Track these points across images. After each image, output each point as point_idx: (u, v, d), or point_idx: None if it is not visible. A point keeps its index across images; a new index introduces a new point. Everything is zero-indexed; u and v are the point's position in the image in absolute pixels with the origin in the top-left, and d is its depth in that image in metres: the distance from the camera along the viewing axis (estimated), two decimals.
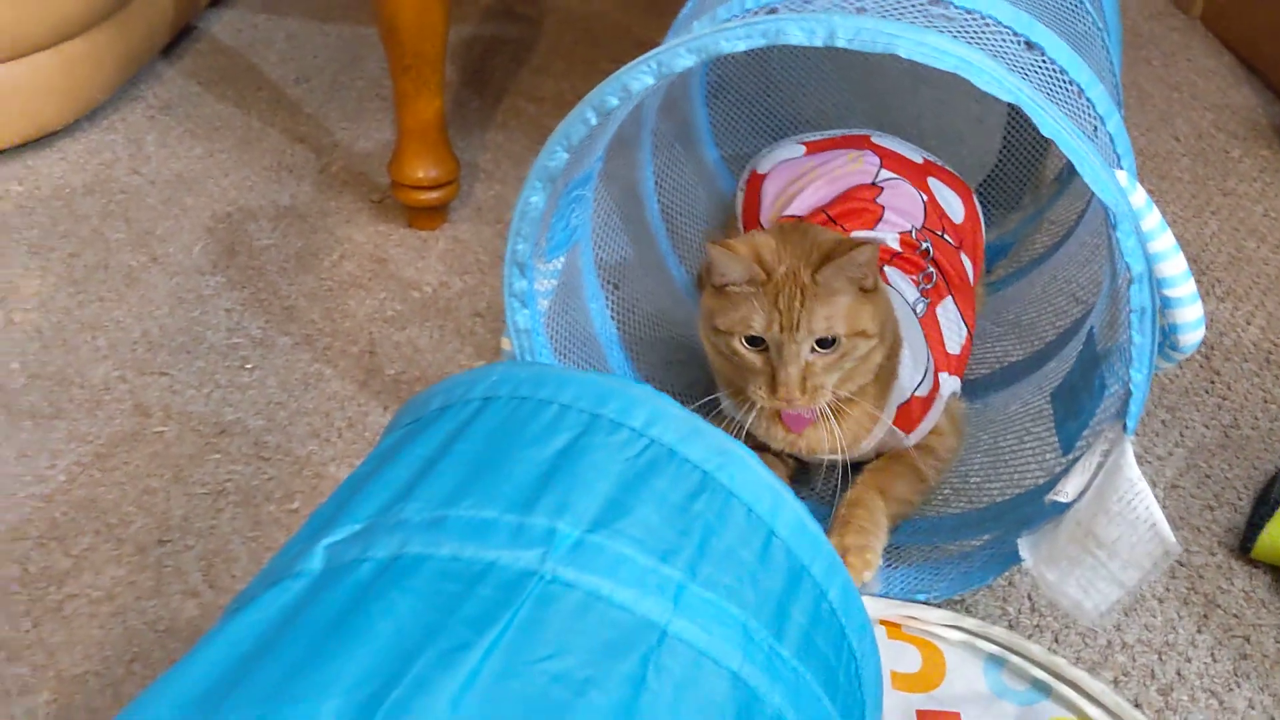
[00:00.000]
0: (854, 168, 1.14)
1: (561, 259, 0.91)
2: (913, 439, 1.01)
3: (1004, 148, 1.34)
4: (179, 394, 1.12)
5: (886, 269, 1.05)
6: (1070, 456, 0.87)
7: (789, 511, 0.59)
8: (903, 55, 0.70)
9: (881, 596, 0.91)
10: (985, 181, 1.35)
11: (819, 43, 0.71)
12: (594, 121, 0.77)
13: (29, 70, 1.41)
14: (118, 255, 1.31)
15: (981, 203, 1.22)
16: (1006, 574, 0.94)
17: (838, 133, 1.20)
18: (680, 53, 0.73)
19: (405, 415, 0.65)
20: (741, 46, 0.72)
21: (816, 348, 0.89)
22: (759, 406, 0.91)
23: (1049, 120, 0.72)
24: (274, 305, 1.25)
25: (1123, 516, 0.78)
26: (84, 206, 1.39)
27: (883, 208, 1.10)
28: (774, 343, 0.88)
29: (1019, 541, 0.85)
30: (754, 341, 0.89)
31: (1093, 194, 0.74)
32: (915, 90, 1.33)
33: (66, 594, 0.92)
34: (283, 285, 1.28)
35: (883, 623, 0.89)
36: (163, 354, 1.17)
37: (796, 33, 0.71)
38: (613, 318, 1.07)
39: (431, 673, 0.47)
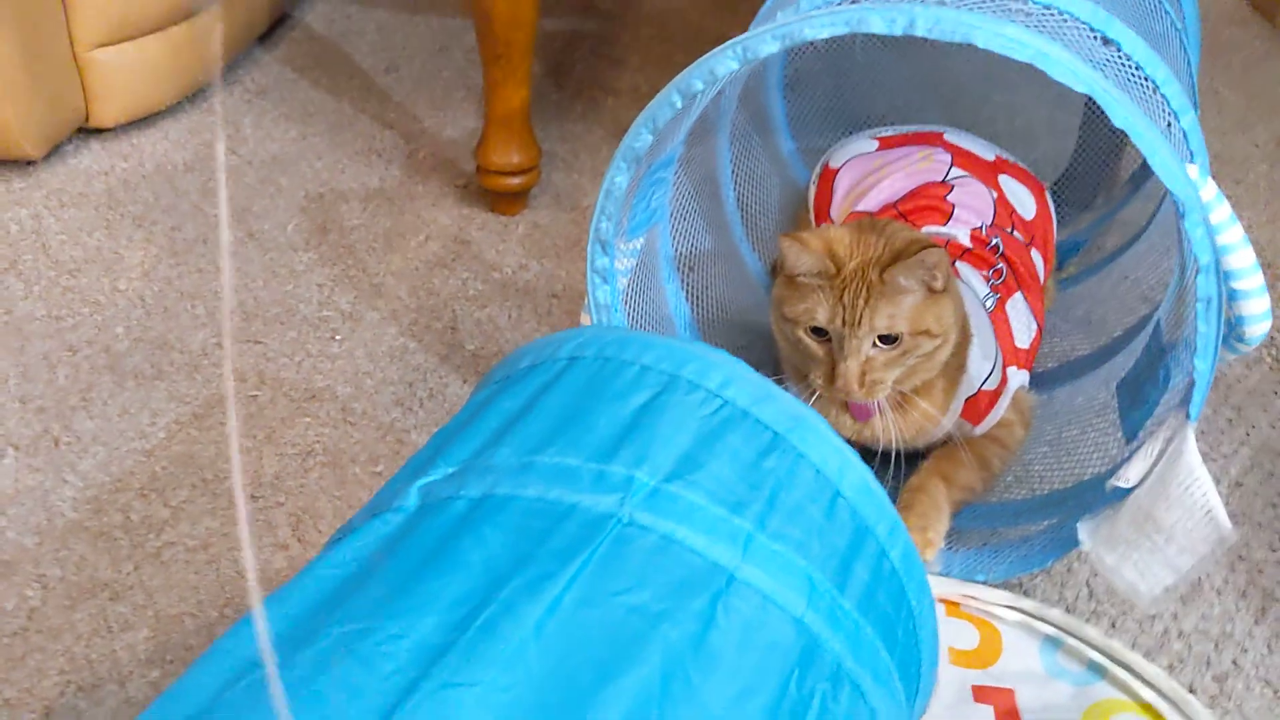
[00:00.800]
0: (924, 165, 1.17)
1: (641, 239, 0.95)
2: (980, 430, 1.03)
3: (1078, 149, 1.36)
4: (272, 361, 1.18)
5: (958, 264, 1.07)
6: (1133, 445, 0.89)
7: (855, 474, 0.62)
8: (980, 45, 0.73)
9: (941, 576, 0.93)
10: (1059, 181, 1.37)
11: (899, 31, 0.74)
12: (679, 105, 0.80)
13: (137, 52, 1.48)
14: (217, 230, 1.37)
15: (1055, 202, 1.23)
16: (1065, 561, 0.96)
17: (911, 129, 1.23)
18: (765, 39, 0.77)
19: (497, 372, 0.69)
20: (824, 34, 0.75)
21: (879, 343, 0.91)
22: (821, 395, 0.94)
23: (1122, 111, 0.74)
24: (363, 282, 1.30)
25: (1181, 502, 0.80)
26: (185, 183, 1.45)
27: (953, 205, 1.12)
28: (836, 336, 0.91)
29: (1078, 526, 0.87)
30: (818, 332, 0.92)
31: (1165, 194, 0.76)
32: (987, 95, 1.35)
33: (165, 541, 0.97)
34: (371, 263, 1.33)
35: (942, 600, 0.91)
36: (257, 323, 1.23)
37: (877, 21, 0.74)
38: (686, 299, 1.10)
39: (518, 598, 0.51)
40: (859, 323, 0.89)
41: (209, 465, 1.05)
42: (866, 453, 1.06)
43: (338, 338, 1.22)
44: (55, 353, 1.18)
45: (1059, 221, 1.23)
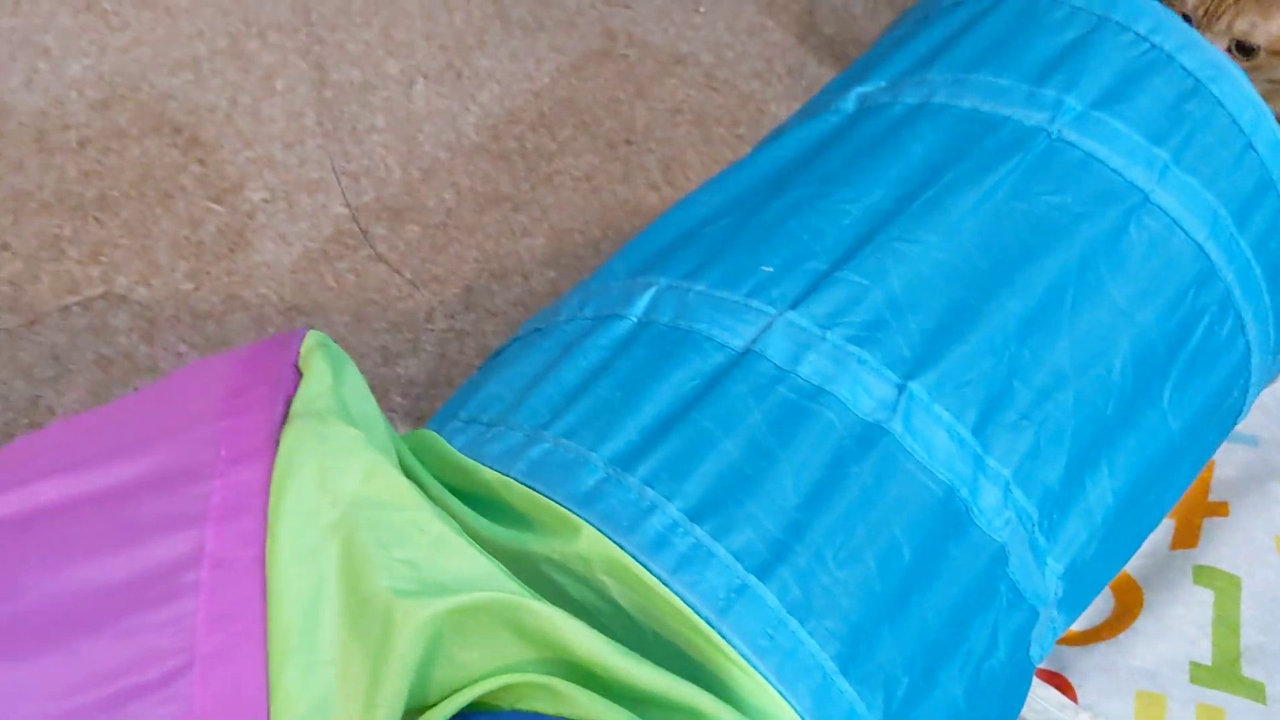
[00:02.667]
0: None
1: None
2: None
3: None
4: (640, 25, 1.26)
5: None
6: None
7: (1268, 129, 0.64)
8: None
9: None
10: None
11: None
12: None
13: None
14: None
15: None
16: None
17: None
18: None
19: (916, 9, 0.74)
20: None
21: (1235, 51, 0.89)
22: None
23: None
24: None
25: None
26: None
27: None
28: (1195, 28, 0.90)
29: None
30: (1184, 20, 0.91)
31: None
32: None
33: (554, 169, 1.10)
34: None
35: None
36: None
37: None
38: None
39: (957, 182, 0.58)
40: (1221, 16, 0.88)
41: (587, 110, 1.16)
42: None
43: (700, 10, 1.28)
44: None
45: None
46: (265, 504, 0.44)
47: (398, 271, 0.99)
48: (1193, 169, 0.61)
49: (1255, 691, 0.71)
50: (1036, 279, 0.56)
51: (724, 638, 0.43)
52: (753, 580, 0.44)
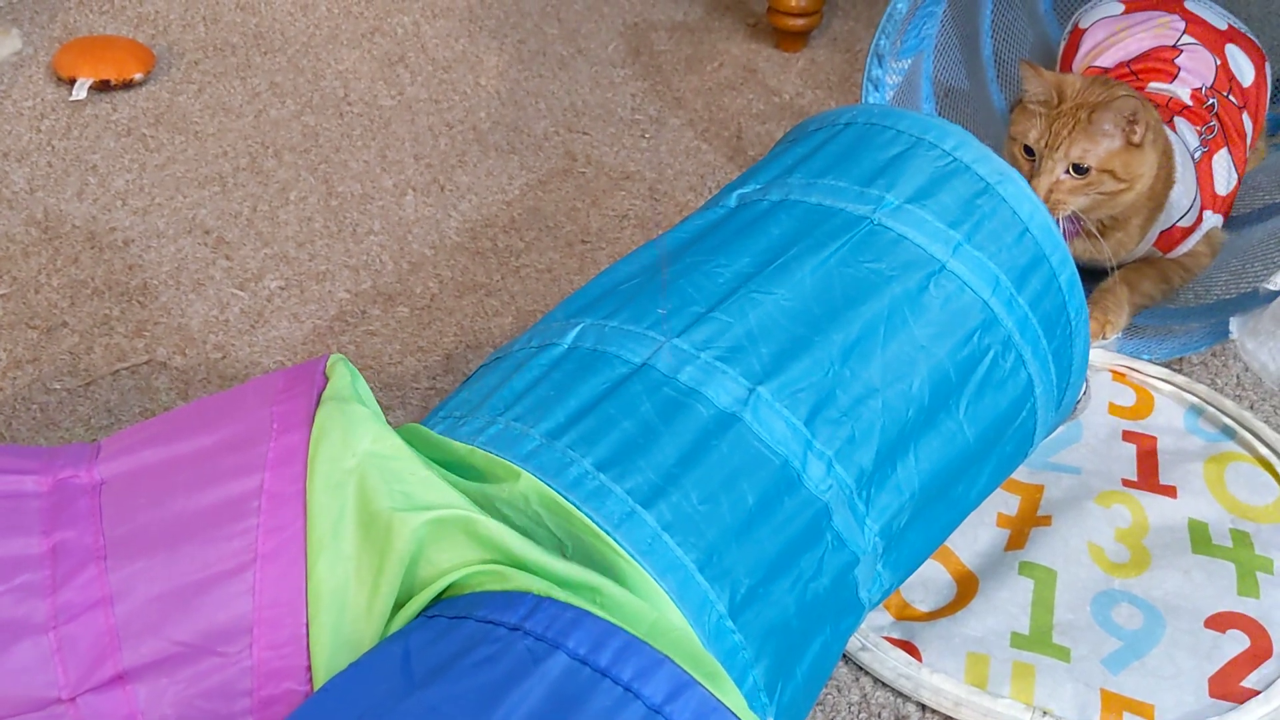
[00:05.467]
0: (1160, 30, 1.35)
1: (909, 61, 1.20)
2: (1170, 257, 1.25)
3: None
4: (596, 148, 1.50)
5: (1176, 119, 1.27)
6: None
7: (1041, 217, 0.87)
8: None
9: (1115, 353, 1.17)
10: None
11: None
12: None
13: None
14: (553, 46, 1.70)
15: None
16: (1221, 357, 1.18)
17: None
18: None
19: (790, 134, 0.97)
20: None
21: (1071, 171, 1.12)
22: None
23: None
24: (667, 95, 1.60)
25: None
26: (528, 6, 1.78)
27: (1179, 68, 1.30)
28: (1039, 155, 1.13)
29: (1230, 319, 1.09)
30: (1028, 152, 1.15)
31: None
32: None
33: (521, 263, 1.32)
34: (674, 81, 1.63)
35: (1110, 369, 1.15)
36: (585, 119, 1.55)
37: None
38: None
39: (801, 254, 0.80)
40: (1058, 148, 1.12)
41: (550, 217, 1.39)
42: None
43: (646, 136, 1.53)
44: (436, 127, 1.54)
45: None
46: (305, 457, 0.64)
47: (389, 343, 1.20)
48: (980, 246, 0.84)
49: (1062, 654, 0.90)
50: (856, 320, 0.77)
51: (618, 544, 0.63)
52: (639, 508, 0.64)
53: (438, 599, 0.63)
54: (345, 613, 0.61)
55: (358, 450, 0.64)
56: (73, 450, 0.70)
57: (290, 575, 0.61)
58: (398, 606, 0.63)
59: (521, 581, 0.60)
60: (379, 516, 0.62)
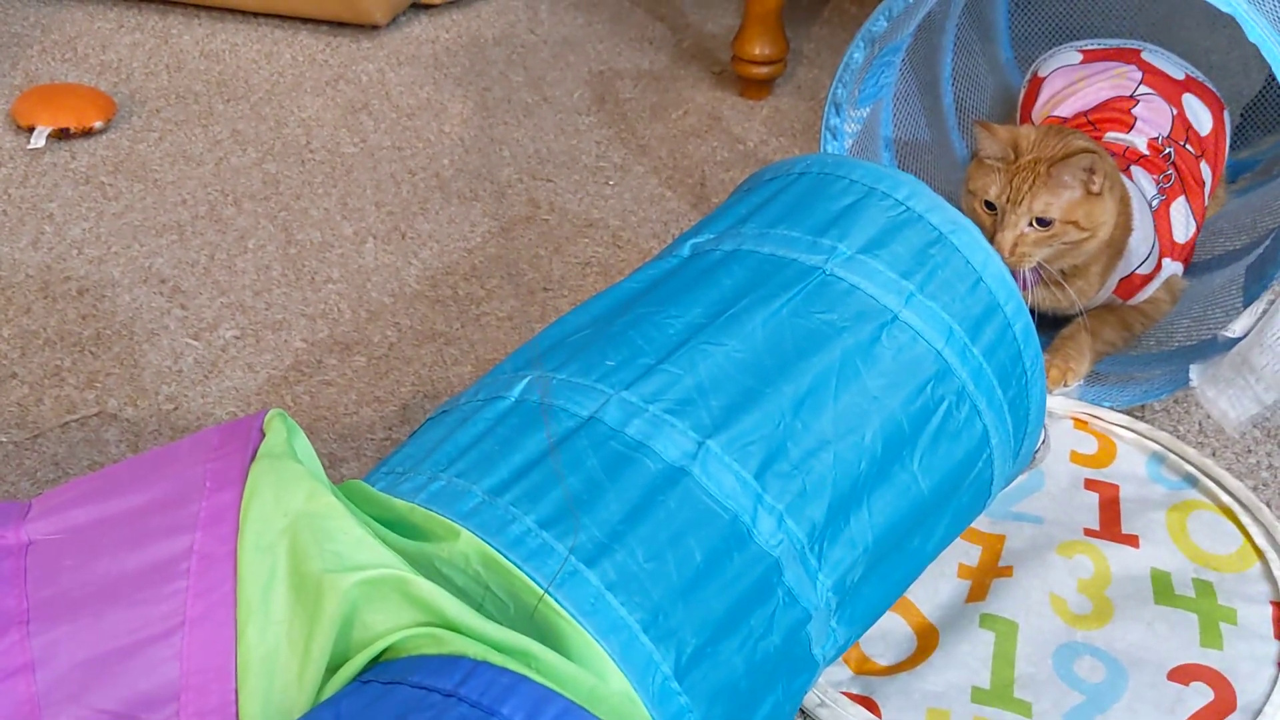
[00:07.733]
0: (1117, 80, 1.36)
1: (866, 110, 1.20)
2: (1130, 304, 1.25)
3: (1268, 80, 1.51)
4: (560, 195, 1.50)
5: (1133, 168, 1.27)
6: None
7: (995, 266, 0.87)
8: None
9: (1077, 400, 1.17)
10: (1248, 106, 1.52)
11: None
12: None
13: None
14: (518, 93, 1.70)
15: (1242, 125, 1.40)
16: (1183, 404, 1.17)
17: (1114, 43, 1.42)
18: None
19: (746, 183, 0.97)
20: None
21: (1034, 224, 1.12)
22: None
23: (1256, 29, 0.94)
24: (631, 142, 1.60)
25: (1273, 349, 1.01)
26: (493, 54, 1.78)
27: (1135, 118, 1.31)
28: (1001, 210, 1.13)
29: (1190, 367, 1.08)
30: (990, 206, 1.15)
31: None
32: (1201, 34, 1.51)
33: (482, 311, 1.31)
34: (639, 128, 1.63)
35: (1072, 417, 1.15)
36: (549, 166, 1.55)
37: None
38: (896, 167, 1.35)
39: (753, 305, 0.79)
40: (1020, 202, 1.12)
41: (513, 265, 1.38)
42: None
43: (610, 183, 1.52)
44: (399, 174, 1.53)
45: (1244, 141, 1.40)
46: (237, 516, 0.62)
47: (344, 393, 1.19)
48: (933, 296, 0.83)
49: (1024, 709, 0.89)
50: (807, 372, 0.76)
51: (560, 604, 0.61)
52: (582, 567, 0.63)
53: (373, 662, 0.61)
54: (276, 678, 0.59)
55: (290, 509, 0.62)
56: (2, 510, 0.68)
57: (219, 639, 0.59)
58: (332, 669, 0.61)
59: (457, 645, 0.58)
60: (310, 578, 0.60)
